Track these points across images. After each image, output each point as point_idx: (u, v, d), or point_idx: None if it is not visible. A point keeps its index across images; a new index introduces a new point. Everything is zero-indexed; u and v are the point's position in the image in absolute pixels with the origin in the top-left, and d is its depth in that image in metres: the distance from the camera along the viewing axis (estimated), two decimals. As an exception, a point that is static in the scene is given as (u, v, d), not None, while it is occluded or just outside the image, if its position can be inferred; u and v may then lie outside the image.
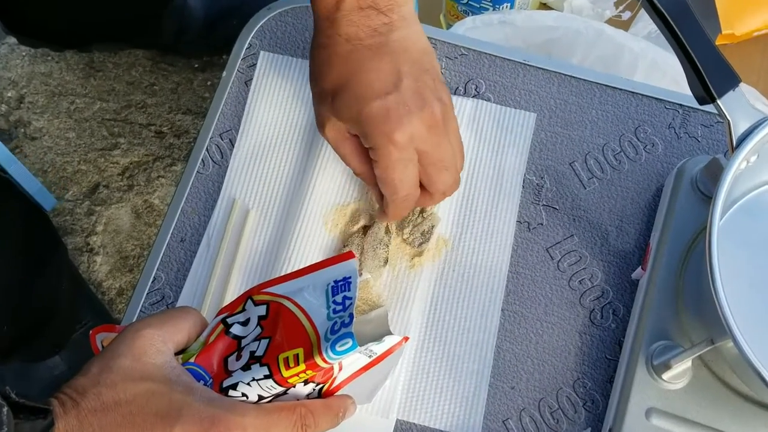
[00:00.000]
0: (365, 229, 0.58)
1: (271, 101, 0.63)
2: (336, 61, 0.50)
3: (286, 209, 0.60)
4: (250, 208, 0.60)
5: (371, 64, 0.49)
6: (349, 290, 0.42)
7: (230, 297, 0.57)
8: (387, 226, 0.58)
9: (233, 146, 0.62)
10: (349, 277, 0.42)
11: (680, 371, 0.50)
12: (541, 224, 0.60)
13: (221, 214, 0.60)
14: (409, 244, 0.58)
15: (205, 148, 0.63)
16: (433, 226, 0.58)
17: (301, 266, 0.46)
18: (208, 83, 1.17)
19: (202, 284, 0.58)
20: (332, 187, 0.59)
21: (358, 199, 0.59)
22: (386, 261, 0.57)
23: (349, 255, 0.43)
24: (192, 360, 0.41)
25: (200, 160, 0.62)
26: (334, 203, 0.59)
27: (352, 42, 0.49)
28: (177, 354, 0.42)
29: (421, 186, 0.53)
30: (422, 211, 0.58)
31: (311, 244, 0.57)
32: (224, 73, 0.65)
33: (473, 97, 0.63)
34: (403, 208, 0.53)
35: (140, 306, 0.58)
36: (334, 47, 0.50)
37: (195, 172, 0.62)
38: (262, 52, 0.65)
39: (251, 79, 0.64)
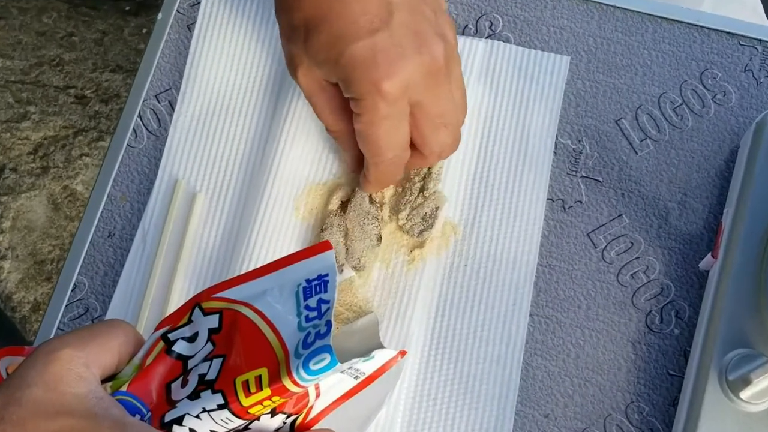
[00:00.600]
0: (344, 206, 0.59)
1: (222, 49, 0.63)
2: None
3: (244, 191, 0.60)
4: (197, 191, 0.60)
5: None
6: (325, 291, 0.42)
7: (174, 306, 0.57)
8: (371, 195, 0.58)
9: (174, 110, 0.62)
10: (326, 275, 0.42)
11: (763, 388, 0.50)
12: (580, 202, 0.60)
13: (160, 200, 0.60)
14: (407, 233, 0.59)
15: (137, 113, 0.63)
16: (437, 208, 0.58)
17: (265, 263, 0.46)
18: (144, 30, 1.16)
19: (138, 291, 0.59)
20: (305, 159, 0.59)
21: (338, 176, 0.60)
22: (380, 238, 0.57)
23: (325, 246, 0.43)
24: (124, 388, 0.42)
25: (131, 129, 0.62)
26: (307, 181, 0.59)
27: None
28: (104, 381, 0.42)
29: (412, 145, 0.53)
30: (423, 190, 0.59)
31: (278, 235, 0.58)
32: (159, 15, 0.65)
33: (487, 37, 0.63)
34: (388, 173, 0.54)
35: (57, 322, 0.58)
36: None
37: (125, 145, 0.62)
38: (208, -14, 0.65)
39: (194, 21, 0.64)
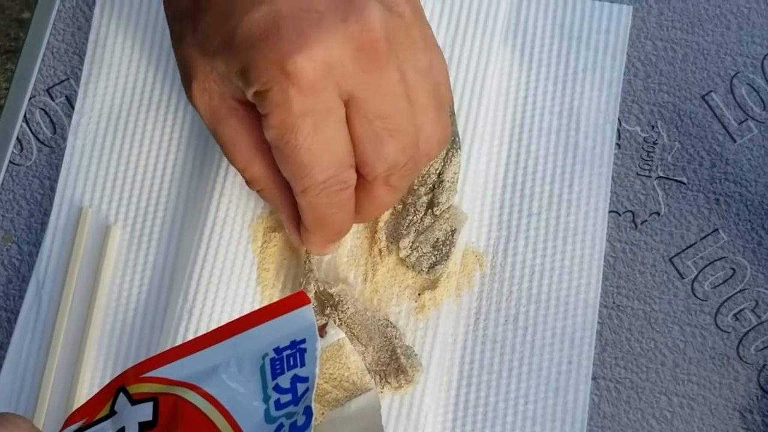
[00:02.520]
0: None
1: (138, 19, 0.63)
2: None
3: (178, 219, 0.60)
4: (111, 223, 0.60)
5: None
6: (302, 364, 0.42)
7: (85, 391, 0.57)
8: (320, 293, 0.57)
9: (73, 110, 0.62)
10: (302, 341, 0.42)
11: None
12: (658, 214, 0.60)
13: (59, 239, 0.60)
14: (412, 268, 0.58)
15: (21, 117, 0.63)
16: (453, 232, 0.58)
17: (213, 325, 0.47)
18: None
19: (33, 370, 0.58)
20: None
21: None
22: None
23: (300, 298, 0.43)
24: None
25: (14, 140, 0.62)
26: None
27: None
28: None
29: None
30: (432, 206, 0.58)
31: (229, 281, 0.57)
32: (49, -26, 0.65)
33: (514, -16, 0.64)
34: (327, 211, 0.52)
35: None
36: None
37: (6, 163, 0.62)
38: (116, -70, 0.65)
39: (99, -19, 0.64)
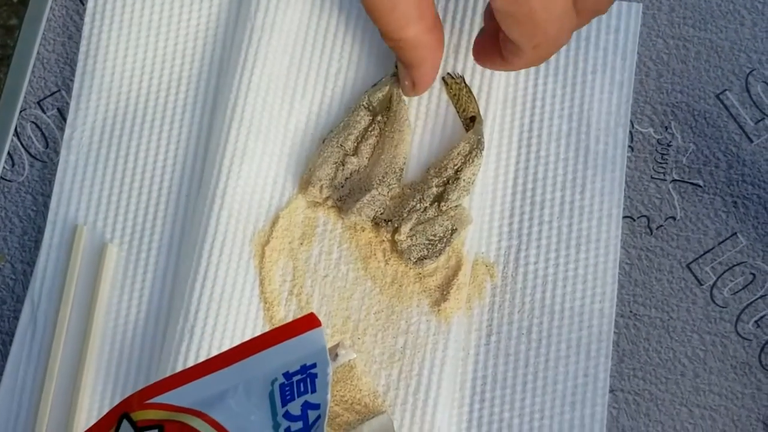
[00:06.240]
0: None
1: (131, 26, 0.63)
2: None
3: (176, 235, 0.60)
4: (107, 240, 0.60)
5: None
6: (313, 390, 0.42)
7: (84, 418, 0.57)
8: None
9: (65, 123, 0.62)
10: (313, 365, 0.42)
11: None
12: (674, 218, 0.60)
13: (54, 257, 0.60)
14: (402, 253, 0.58)
15: (12, 131, 0.62)
16: (453, 231, 0.58)
17: (219, 349, 0.47)
18: (16, -1, 1.16)
19: (30, 395, 0.58)
20: (264, 176, 0.59)
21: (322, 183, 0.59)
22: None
23: (311, 321, 0.43)
24: None
25: (5, 154, 0.62)
26: (269, 208, 0.59)
27: None
28: None
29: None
30: (441, 200, 0.58)
31: (231, 298, 0.57)
32: (37, -18, 0.64)
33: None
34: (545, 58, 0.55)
35: None
36: None
37: None
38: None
39: (89, -12, 0.64)
